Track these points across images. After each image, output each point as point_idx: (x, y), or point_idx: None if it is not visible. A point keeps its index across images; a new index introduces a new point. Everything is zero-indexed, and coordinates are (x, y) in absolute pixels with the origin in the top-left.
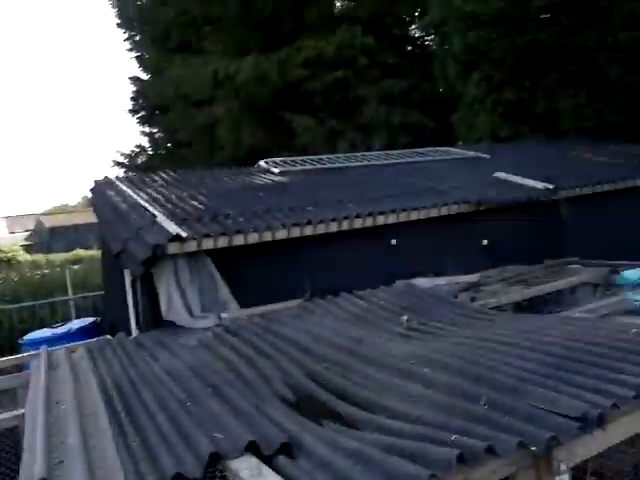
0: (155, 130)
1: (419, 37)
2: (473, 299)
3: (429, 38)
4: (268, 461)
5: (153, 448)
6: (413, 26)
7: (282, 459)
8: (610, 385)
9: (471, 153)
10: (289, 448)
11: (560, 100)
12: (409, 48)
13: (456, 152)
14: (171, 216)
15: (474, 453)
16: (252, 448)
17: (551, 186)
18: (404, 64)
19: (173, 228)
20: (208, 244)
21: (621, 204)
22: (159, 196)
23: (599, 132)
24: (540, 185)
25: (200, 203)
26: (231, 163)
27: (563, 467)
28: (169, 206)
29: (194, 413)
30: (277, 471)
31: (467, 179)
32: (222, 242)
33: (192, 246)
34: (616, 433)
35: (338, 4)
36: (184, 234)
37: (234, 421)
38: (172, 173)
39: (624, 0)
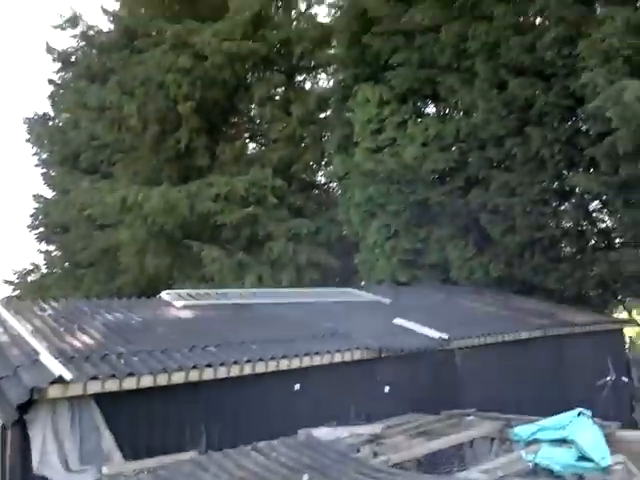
0: (52, 248)
1: (325, 183)
2: (375, 454)
3: (334, 185)
4: None
5: None
6: (320, 173)
7: None
8: None
9: (372, 297)
10: None
11: (450, 252)
12: (316, 192)
13: (359, 294)
14: (56, 353)
15: None
16: None
17: (446, 336)
18: (311, 206)
19: (57, 368)
20: (95, 387)
21: (509, 356)
22: (46, 328)
23: (488, 283)
24: (436, 334)
25: (91, 338)
26: (133, 289)
27: None
28: (56, 340)
29: None
30: None
31: (369, 324)
32: (111, 385)
33: (76, 389)
34: None
35: (251, 146)
36: (68, 376)
37: None
38: (64, 301)
39: (499, 172)
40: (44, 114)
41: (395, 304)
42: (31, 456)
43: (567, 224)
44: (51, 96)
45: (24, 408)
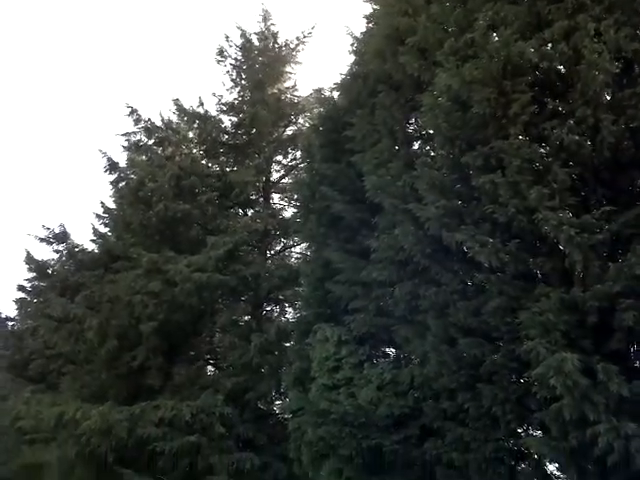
0: None
1: (280, 414)
2: None
3: (289, 417)
4: None
5: None
6: (277, 403)
7: None
8: None
9: None
10: None
11: None
12: (271, 422)
13: None
14: None
15: None
16: None
17: None
18: (262, 438)
19: None
20: None
21: None
22: None
23: None
24: None
25: None
26: None
27: None
28: None
29: None
30: None
31: None
32: None
33: None
34: None
35: (209, 369)
36: None
37: None
38: None
39: (453, 424)
40: (6, 317)
41: None
42: None
43: None
44: (18, 302)
45: None
